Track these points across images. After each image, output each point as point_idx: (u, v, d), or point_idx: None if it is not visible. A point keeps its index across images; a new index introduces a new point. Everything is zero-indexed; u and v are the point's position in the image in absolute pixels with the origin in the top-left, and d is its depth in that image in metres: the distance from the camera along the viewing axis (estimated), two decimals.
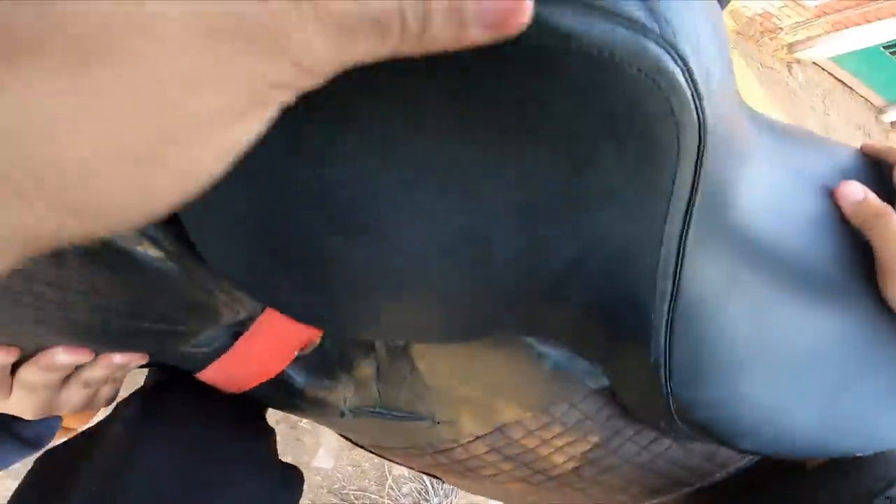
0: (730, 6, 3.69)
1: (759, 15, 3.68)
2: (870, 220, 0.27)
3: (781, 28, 3.77)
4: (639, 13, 0.16)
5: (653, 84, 0.17)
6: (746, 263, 0.25)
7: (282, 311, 0.27)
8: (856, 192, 0.28)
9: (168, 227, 0.24)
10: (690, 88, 0.18)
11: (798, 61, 3.89)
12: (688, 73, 0.18)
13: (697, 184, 0.21)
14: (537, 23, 0.15)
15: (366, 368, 0.34)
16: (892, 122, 4.26)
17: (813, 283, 0.27)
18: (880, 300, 0.27)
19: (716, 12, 0.20)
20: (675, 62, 0.17)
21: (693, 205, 0.21)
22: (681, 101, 0.18)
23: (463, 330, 0.27)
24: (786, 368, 0.27)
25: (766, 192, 0.26)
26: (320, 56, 0.12)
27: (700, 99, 0.18)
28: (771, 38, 3.76)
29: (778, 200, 0.26)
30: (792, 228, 0.27)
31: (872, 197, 0.28)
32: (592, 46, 0.16)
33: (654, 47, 0.17)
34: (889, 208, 0.27)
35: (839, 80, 4.11)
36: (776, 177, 0.27)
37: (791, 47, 3.82)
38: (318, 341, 0.33)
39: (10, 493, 0.33)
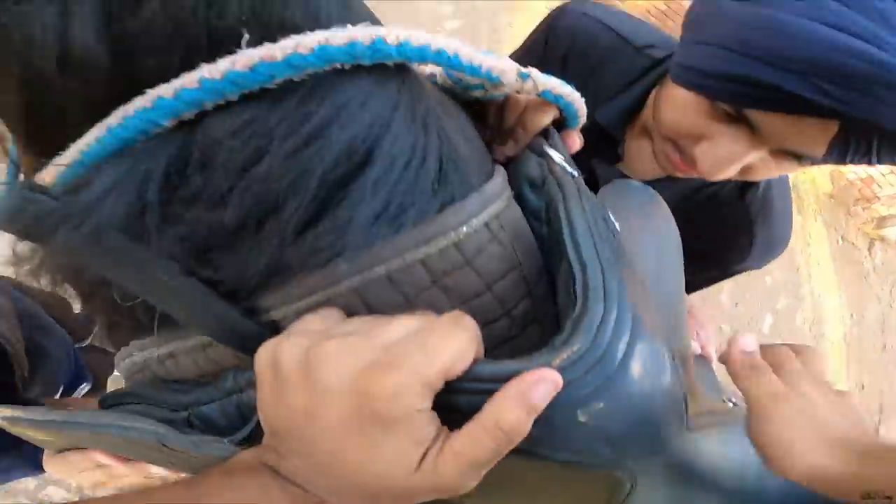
0: (831, 167, 3.26)
1: (861, 180, 3.26)
2: (745, 370, 0.36)
3: (879, 197, 3.35)
4: (607, 454, 0.28)
5: (614, 486, 0.32)
6: (685, 477, 0.36)
7: None
8: (748, 344, 0.38)
9: None
10: (632, 482, 0.32)
11: (882, 239, 3.47)
12: (634, 480, 0.32)
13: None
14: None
15: None
16: None
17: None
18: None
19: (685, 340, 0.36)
20: (628, 477, 0.31)
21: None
22: (623, 488, 0.32)
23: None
24: None
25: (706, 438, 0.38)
26: None
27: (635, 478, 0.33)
28: (864, 208, 3.34)
29: (713, 450, 0.38)
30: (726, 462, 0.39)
31: (757, 356, 0.38)
32: (590, 470, 0.30)
33: (617, 474, 0.31)
34: (765, 365, 0.37)
35: None
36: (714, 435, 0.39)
37: (881, 221, 3.41)
38: None
39: None
